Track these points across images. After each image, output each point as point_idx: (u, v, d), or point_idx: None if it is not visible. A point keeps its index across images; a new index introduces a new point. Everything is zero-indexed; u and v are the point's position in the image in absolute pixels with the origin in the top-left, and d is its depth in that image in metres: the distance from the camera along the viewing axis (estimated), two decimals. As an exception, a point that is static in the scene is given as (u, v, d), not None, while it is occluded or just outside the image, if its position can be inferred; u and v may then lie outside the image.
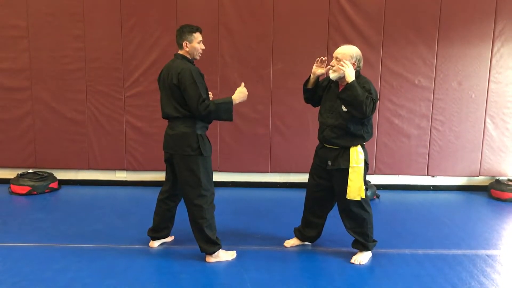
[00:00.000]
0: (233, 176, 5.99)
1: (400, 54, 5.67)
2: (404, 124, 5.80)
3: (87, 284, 3.21)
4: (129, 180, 5.90)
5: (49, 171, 5.80)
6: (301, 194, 5.55)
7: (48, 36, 5.63)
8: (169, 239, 4.00)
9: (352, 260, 3.64)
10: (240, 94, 3.61)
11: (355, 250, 3.75)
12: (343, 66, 3.39)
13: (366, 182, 3.66)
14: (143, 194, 5.42)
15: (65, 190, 5.71)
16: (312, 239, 3.96)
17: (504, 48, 5.66)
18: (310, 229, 3.91)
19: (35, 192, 5.43)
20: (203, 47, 3.61)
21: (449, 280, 3.35)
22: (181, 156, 3.50)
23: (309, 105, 5.77)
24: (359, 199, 3.53)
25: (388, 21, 5.61)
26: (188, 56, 3.57)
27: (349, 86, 3.37)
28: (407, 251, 3.88)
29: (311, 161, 6.05)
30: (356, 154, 3.52)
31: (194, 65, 3.56)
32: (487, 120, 5.80)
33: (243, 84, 3.67)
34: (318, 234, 3.92)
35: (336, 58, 3.49)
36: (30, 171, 5.70)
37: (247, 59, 5.69)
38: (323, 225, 3.90)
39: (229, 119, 3.55)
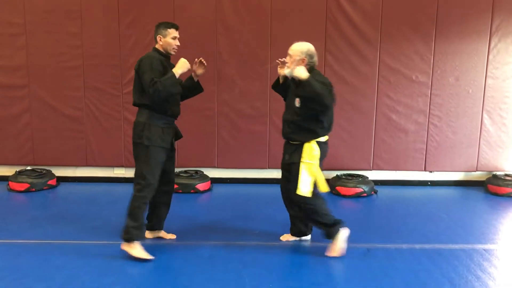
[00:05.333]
0: (231, 173, 6.01)
1: (398, 50, 5.68)
2: (401, 120, 5.81)
3: (86, 280, 3.22)
4: (127, 176, 5.90)
5: (47, 168, 5.80)
6: (299, 190, 5.59)
7: (45, 34, 5.63)
8: (168, 236, 4.02)
9: (326, 253, 3.66)
10: (180, 64, 3.56)
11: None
12: (288, 67, 3.54)
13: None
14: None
15: (64, 187, 5.71)
16: (302, 234, 3.97)
17: (501, 43, 5.67)
18: (294, 224, 3.96)
19: (33, 189, 5.43)
20: (177, 43, 3.67)
21: (446, 274, 3.37)
22: (132, 143, 3.65)
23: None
24: (309, 195, 3.54)
25: (385, 18, 5.62)
26: (162, 51, 3.65)
27: (306, 82, 3.39)
28: (404, 246, 3.90)
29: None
30: (309, 150, 3.56)
31: (165, 56, 3.63)
32: (484, 115, 5.82)
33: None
34: (308, 228, 3.93)
35: (289, 54, 3.63)
36: (29, 168, 5.71)
37: (245, 55, 5.70)
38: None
39: (179, 91, 3.57)
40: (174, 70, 3.54)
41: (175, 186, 5.42)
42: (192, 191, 5.51)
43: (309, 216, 3.66)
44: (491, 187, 5.69)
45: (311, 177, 3.57)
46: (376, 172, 5.95)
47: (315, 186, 3.62)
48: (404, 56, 5.70)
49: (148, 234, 3.97)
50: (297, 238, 4.00)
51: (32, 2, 5.57)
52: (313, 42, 5.66)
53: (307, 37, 5.66)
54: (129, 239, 3.54)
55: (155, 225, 3.95)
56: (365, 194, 5.45)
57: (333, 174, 5.85)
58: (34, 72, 5.69)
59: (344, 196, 5.44)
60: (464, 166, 5.94)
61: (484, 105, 5.80)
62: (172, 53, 3.69)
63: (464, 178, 6.07)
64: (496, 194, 5.59)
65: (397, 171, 6.01)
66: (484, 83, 5.76)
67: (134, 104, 3.67)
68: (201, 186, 5.57)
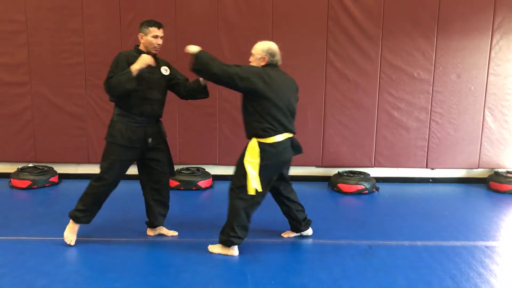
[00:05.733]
0: (233, 170, 6.00)
1: (399, 47, 5.67)
2: (403, 117, 5.81)
3: (89, 276, 3.23)
4: (128, 173, 5.85)
5: (49, 165, 5.81)
6: (300, 187, 5.59)
7: (46, 31, 5.63)
8: (170, 233, 4.02)
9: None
10: (140, 59, 3.55)
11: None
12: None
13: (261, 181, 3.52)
14: (143, 188, 5.43)
15: (65, 184, 5.72)
16: (297, 229, 3.96)
17: (503, 40, 5.66)
18: (288, 220, 3.97)
19: (35, 186, 5.45)
20: (159, 42, 3.67)
21: (448, 271, 3.37)
22: None
23: (309, 99, 5.80)
24: (251, 193, 3.47)
25: (387, 14, 5.61)
26: (143, 49, 3.67)
27: (195, 55, 3.43)
28: (406, 243, 3.90)
29: (309, 154, 6.08)
30: (251, 149, 3.50)
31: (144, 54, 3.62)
32: (486, 112, 5.81)
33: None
34: (297, 222, 3.90)
35: (251, 53, 3.66)
36: (30, 165, 5.72)
37: (246, 52, 5.64)
38: (291, 211, 3.87)
39: (132, 88, 3.51)
40: (132, 66, 3.51)
41: (176, 183, 5.48)
42: (193, 188, 5.51)
43: (230, 215, 3.58)
44: (492, 184, 5.69)
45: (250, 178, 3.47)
46: (377, 169, 5.95)
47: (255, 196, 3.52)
48: (406, 53, 5.69)
49: (149, 232, 4.01)
50: (298, 234, 4.01)
51: (33, -1, 5.58)
52: (314, 39, 5.71)
53: (309, 34, 5.69)
54: (72, 218, 3.75)
55: (153, 222, 3.96)
56: (367, 191, 5.46)
57: (334, 171, 5.85)
58: (36, 69, 5.70)
59: (346, 193, 5.44)
60: (465, 163, 5.94)
61: (486, 102, 5.79)
62: (153, 51, 3.67)
63: (465, 175, 6.07)
64: (497, 191, 5.59)
65: (399, 168, 6.00)
66: (486, 80, 5.75)
67: (110, 100, 3.73)
68: (202, 183, 5.57)
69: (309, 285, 3.15)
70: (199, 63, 3.42)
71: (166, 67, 3.79)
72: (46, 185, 5.55)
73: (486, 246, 3.86)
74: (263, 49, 3.61)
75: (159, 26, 3.68)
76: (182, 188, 5.49)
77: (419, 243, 3.90)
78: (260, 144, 3.48)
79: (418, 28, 5.63)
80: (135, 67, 3.51)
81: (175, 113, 5.74)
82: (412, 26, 5.63)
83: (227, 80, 3.42)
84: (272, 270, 3.39)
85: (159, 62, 3.77)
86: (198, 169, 5.77)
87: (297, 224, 3.93)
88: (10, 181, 5.55)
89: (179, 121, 5.78)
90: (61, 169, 5.88)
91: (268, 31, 5.64)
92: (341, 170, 5.82)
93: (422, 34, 5.64)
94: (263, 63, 3.58)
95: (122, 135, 3.61)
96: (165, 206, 3.98)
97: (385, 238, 4.00)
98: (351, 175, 5.62)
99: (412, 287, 3.14)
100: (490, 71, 5.73)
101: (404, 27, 5.63)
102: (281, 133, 3.51)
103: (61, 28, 5.64)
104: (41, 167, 5.68)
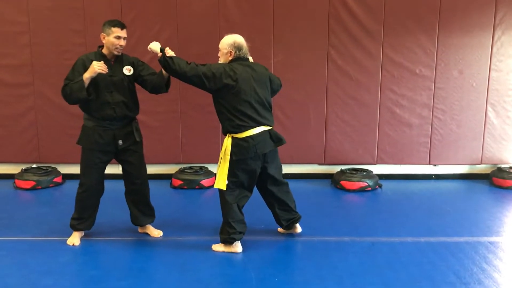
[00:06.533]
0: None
1: (401, 44, 5.67)
2: (405, 114, 5.81)
3: (93, 276, 3.25)
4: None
5: (53, 165, 5.83)
6: (303, 185, 5.61)
7: (49, 31, 5.64)
8: (154, 233, 4.00)
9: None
10: (90, 68, 3.46)
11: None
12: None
13: (234, 176, 3.57)
14: (146, 187, 5.45)
15: (69, 184, 5.73)
16: (285, 227, 3.93)
17: (505, 36, 5.65)
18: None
19: (39, 187, 5.47)
20: (121, 43, 3.60)
21: (451, 267, 3.38)
22: None
23: (311, 96, 5.81)
24: (221, 187, 3.56)
25: (388, 11, 5.60)
26: (105, 51, 3.62)
27: (161, 61, 3.48)
28: (409, 239, 3.91)
29: (312, 152, 6.08)
30: (225, 144, 3.57)
31: (107, 58, 3.60)
32: (488, 108, 5.80)
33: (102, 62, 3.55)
34: (285, 221, 3.87)
35: (219, 48, 3.68)
36: (34, 166, 5.74)
37: (248, 51, 5.68)
38: (276, 212, 3.86)
39: (83, 97, 3.48)
40: (84, 74, 3.46)
41: (180, 182, 5.50)
42: (197, 187, 5.53)
43: (223, 214, 3.66)
44: (495, 180, 5.68)
45: (221, 173, 3.56)
46: (380, 166, 5.95)
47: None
48: (408, 50, 5.68)
49: (139, 229, 4.08)
50: (286, 231, 4.00)
51: (35, 0, 5.58)
52: (316, 37, 5.71)
53: (310, 32, 5.69)
54: (71, 227, 3.82)
55: (134, 221, 4.00)
56: (370, 188, 5.46)
57: (337, 168, 5.86)
58: (39, 70, 5.71)
59: (349, 191, 5.44)
60: (468, 159, 5.93)
61: (488, 98, 5.78)
62: (116, 52, 3.62)
63: (468, 171, 6.06)
64: (501, 187, 5.58)
65: (402, 165, 6.00)
66: (488, 76, 5.74)
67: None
68: (205, 182, 5.58)
69: (313, 281, 3.16)
70: (164, 62, 3.46)
71: (129, 67, 3.71)
72: (50, 185, 5.57)
73: (489, 242, 3.87)
74: (228, 43, 3.63)
75: (122, 26, 3.60)
76: (185, 187, 5.51)
77: (422, 239, 3.91)
78: (233, 139, 3.53)
79: (419, 25, 5.62)
80: (86, 76, 3.45)
81: (178, 112, 5.75)
82: (413, 22, 5.62)
83: (194, 79, 3.46)
84: (276, 267, 3.41)
85: (123, 62, 3.69)
86: (201, 168, 5.79)
87: (286, 222, 3.89)
88: (14, 182, 5.57)
89: (182, 120, 5.79)
90: (64, 169, 5.90)
91: (269, 29, 5.64)
92: (343, 167, 5.82)
93: (424, 30, 5.63)
94: (230, 58, 3.60)
95: (89, 139, 3.63)
96: (145, 205, 3.97)
97: (388, 234, 4.00)
98: (354, 172, 5.62)
99: (415, 283, 3.15)
100: (492, 67, 5.72)
101: (406, 23, 5.62)
102: (254, 127, 3.52)
103: (63, 28, 5.65)
104: (44, 168, 5.70)
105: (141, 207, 3.96)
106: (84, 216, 3.78)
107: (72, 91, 3.48)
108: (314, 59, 5.70)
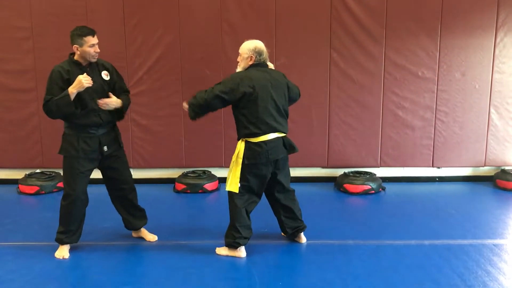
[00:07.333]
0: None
1: (403, 46, 5.67)
2: (408, 116, 5.80)
3: (97, 280, 3.25)
4: (135, 177, 5.85)
5: (56, 170, 5.83)
6: (306, 188, 5.61)
7: (52, 37, 5.66)
8: (149, 237, 4.00)
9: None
10: (75, 83, 3.41)
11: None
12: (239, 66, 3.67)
13: (245, 180, 3.60)
14: (149, 192, 5.46)
15: (73, 189, 5.75)
16: (290, 235, 3.92)
17: (507, 37, 5.64)
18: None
19: (43, 192, 5.48)
20: (97, 50, 3.54)
21: (456, 269, 3.37)
22: None
23: (313, 99, 5.81)
24: (233, 190, 3.61)
25: (390, 14, 5.61)
26: (80, 59, 3.56)
27: (190, 107, 3.62)
28: (413, 242, 3.90)
29: (315, 155, 6.08)
30: (238, 148, 3.60)
31: (82, 66, 3.56)
32: (491, 110, 5.79)
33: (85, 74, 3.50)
34: (290, 229, 3.86)
35: (239, 53, 3.70)
36: (38, 171, 5.76)
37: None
38: (281, 219, 3.87)
39: (71, 112, 3.45)
40: (69, 88, 3.39)
41: (183, 186, 5.50)
42: (200, 191, 5.53)
43: (231, 216, 3.68)
44: (499, 182, 5.66)
45: (233, 176, 3.62)
46: (383, 169, 5.94)
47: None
48: (410, 52, 5.68)
49: (133, 233, 4.07)
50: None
51: (38, 5, 5.60)
52: (318, 40, 5.71)
53: (312, 35, 5.70)
54: (57, 241, 3.69)
55: (127, 226, 4.00)
56: (373, 191, 5.45)
57: (340, 171, 5.85)
58: (42, 75, 5.72)
59: (352, 194, 5.43)
60: (472, 161, 5.92)
61: (491, 100, 5.77)
62: (93, 60, 3.57)
63: (472, 174, 6.05)
64: (504, 189, 5.56)
65: (405, 168, 5.99)
66: (491, 78, 5.73)
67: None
68: (209, 186, 5.59)
69: (317, 285, 3.16)
70: (191, 110, 3.60)
71: (106, 72, 3.68)
72: (54, 190, 5.57)
73: (494, 244, 3.85)
74: (249, 48, 3.65)
75: (93, 33, 3.53)
76: (188, 191, 5.51)
77: (426, 242, 3.90)
78: (246, 143, 3.54)
79: (421, 27, 5.62)
80: (72, 91, 3.39)
81: (180, 116, 5.76)
82: (415, 25, 5.62)
83: (215, 101, 3.51)
84: (280, 271, 3.40)
85: (98, 66, 3.65)
86: (204, 172, 5.79)
87: (290, 230, 3.88)
88: (18, 187, 5.59)
89: (185, 124, 5.79)
90: (68, 174, 5.91)
91: (272, 32, 5.65)
92: (347, 170, 5.82)
93: (426, 33, 5.63)
94: (250, 62, 3.62)
95: (74, 148, 3.55)
96: (135, 208, 3.96)
97: (392, 237, 3.99)
98: (357, 175, 5.61)
99: (420, 286, 3.14)
100: (495, 69, 5.71)
101: (408, 26, 5.62)
102: (268, 133, 3.54)
103: (66, 33, 5.61)
104: (48, 173, 5.72)
105: (131, 211, 3.95)
106: (71, 229, 3.66)
107: (59, 107, 3.41)
108: (317, 62, 5.71)
